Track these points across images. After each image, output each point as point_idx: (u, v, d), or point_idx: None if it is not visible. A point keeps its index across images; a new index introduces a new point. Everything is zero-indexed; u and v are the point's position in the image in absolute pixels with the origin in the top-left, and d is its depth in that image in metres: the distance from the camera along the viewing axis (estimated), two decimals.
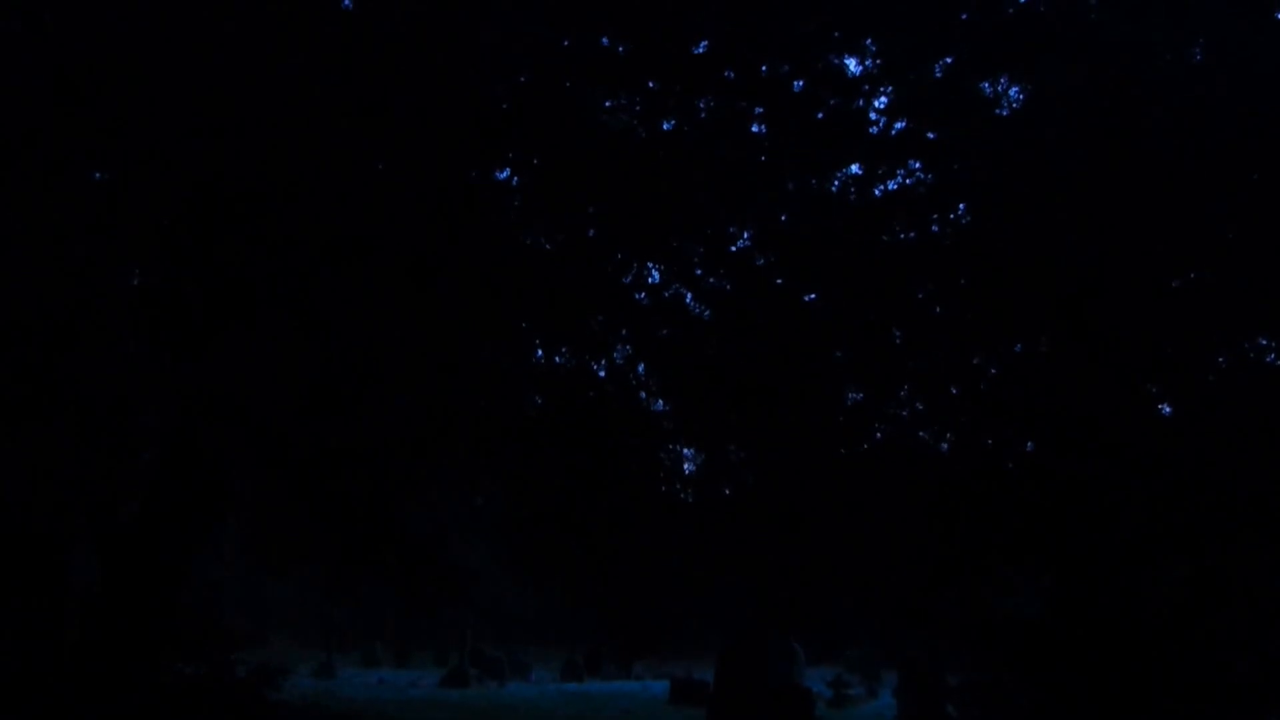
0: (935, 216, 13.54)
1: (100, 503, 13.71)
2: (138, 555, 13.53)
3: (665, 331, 13.29)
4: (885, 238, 13.39)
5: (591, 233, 13.11)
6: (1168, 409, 14.36)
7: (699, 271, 13.32)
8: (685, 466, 13.73)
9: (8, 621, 13.51)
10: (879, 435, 13.70)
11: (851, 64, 13.38)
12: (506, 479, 13.49)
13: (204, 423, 12.99)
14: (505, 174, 13.15)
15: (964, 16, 13.52)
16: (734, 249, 13.40)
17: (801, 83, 13.24)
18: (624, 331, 13.32)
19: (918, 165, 13.48)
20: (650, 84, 13.08)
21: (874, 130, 13.41)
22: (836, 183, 13.37)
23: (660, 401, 13.50)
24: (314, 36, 12.83)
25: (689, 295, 13.39)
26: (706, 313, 13.32)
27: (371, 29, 12.92)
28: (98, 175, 13.71)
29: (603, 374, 13.39)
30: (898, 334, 13.49)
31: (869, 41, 13.37)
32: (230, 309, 13.15)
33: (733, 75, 13.16)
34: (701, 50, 13.13)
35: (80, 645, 13.48)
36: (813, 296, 13.39)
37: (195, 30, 12.64)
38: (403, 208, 12.90)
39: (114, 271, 13.55)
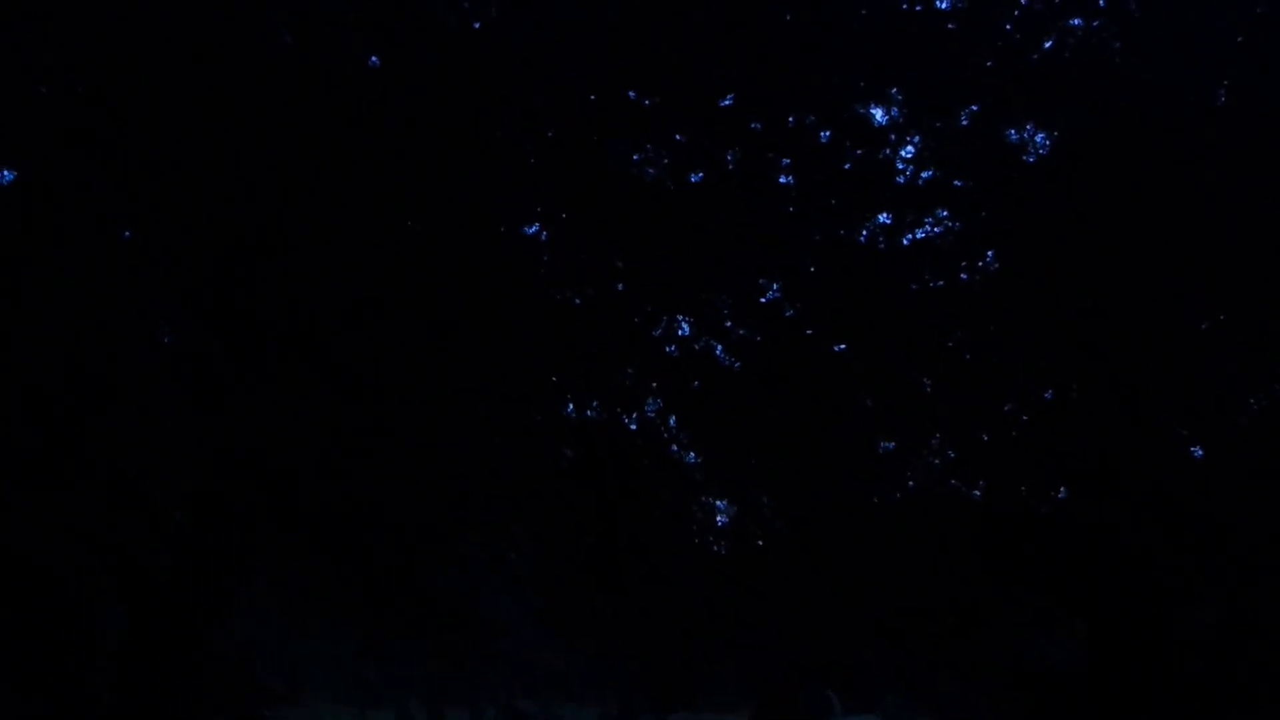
0: (964, 264, 13.42)
1: (130, 560, 13.55)
2: (168, 613, 13.35)
3: (696, 383, 13.13)
4: (914, 286, 13.25)
5: (621, 286, 12.99)
6: (1199, 452, 14.14)
7: (729, 323, 13.18)
8: (717, 518, 13.56)
9: (39, 678, 13.34)
10: (911, 483, 13.51)
11: (878, 114, 13.32)
12: (538, 533, 13.30)
13: (233, 480, 12.85)
14: (534, 228, 13.05)
15: (989, 64, 13.44)
16: (763, 300, 13.26)
17: (828, 133, 13.16)
18: (654, 384, 13.17)
19: (945, 213, 13.37)
20: (678, 136, 12.99)
21: (901, 179, 13.32)
22: (865, 232, 13.25)
23: (691, 453, 13.34)
24: (342, 92, 12.80)
25: (719, 347, 13.24)
26: (737, 364, 13.17)
27: (398, 85, 12.88)
28: (127, 234, 13.66)
29: (634, 427, 13.23)
30: (928, 382, 13.32)
31: (895, 91, 13.29)
32: (259, 367, 13.03)
33: (759, 126, 13.07)
34: (728, 102, 13.06)
35: (111, 703, 13.28)
36: (842, 346, 13.24)
37: (223, 86, 12.63)
38: (432, 263, 12.81)
39: (143, 330, 13.46)
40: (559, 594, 13.54)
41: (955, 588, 13.39)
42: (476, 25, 13.06)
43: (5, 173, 13.17)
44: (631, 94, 12.99)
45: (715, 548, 13.39)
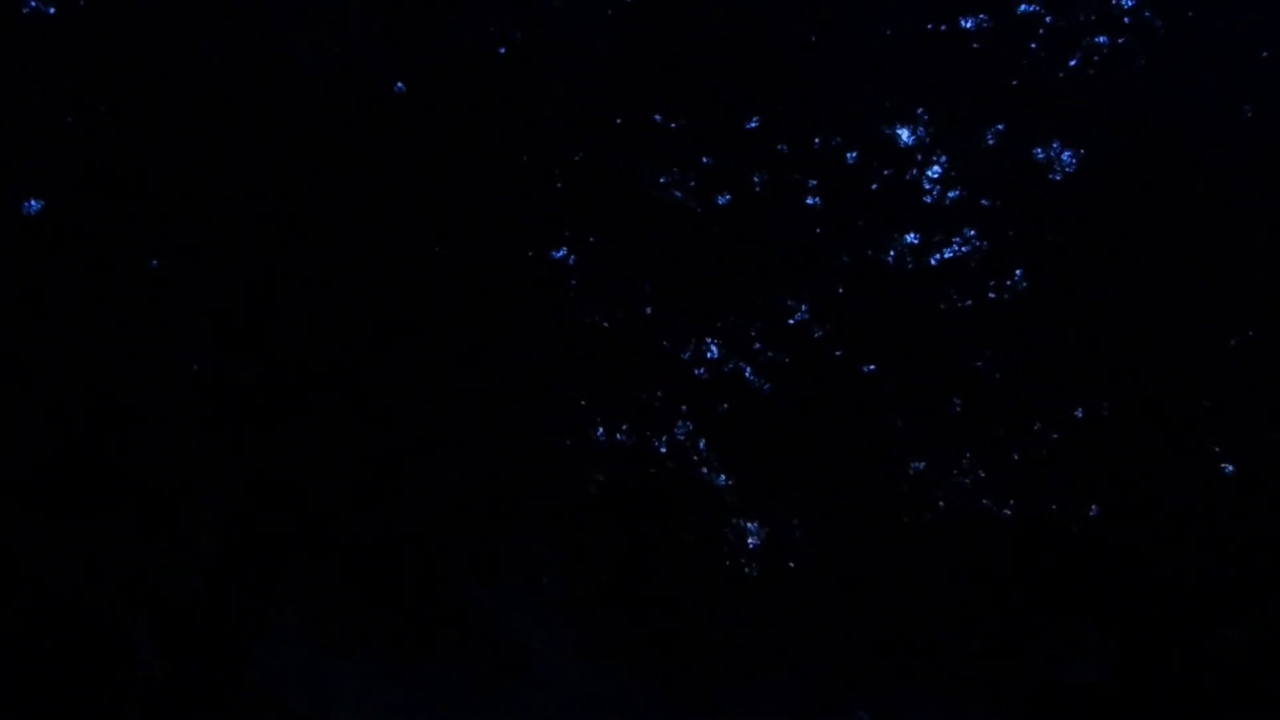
0: (991, 283, 13.35)
1: (160, 587, 13.50)
2: (198, 639, 13.29)
3: (725, 406, 13.06)
4: (942, 306, 13.19)
5: (649, 309, 12.92)
6: (1229, 468, 14.05)
7: (757, 345, 13.11)
8: (749, 540, 13.48)
9: (69, 707, 13.28)
10: (942, 503, 13.42)
11: (904, 134, 13.27)
12: (569, 556, 13.22)
13: (261, 506, 12.80)
14: (562, 252, 12.99)
15: (1014, 83, 13.39)
16: (792, 321, 13.19)
17: (855, 154, 13.10)
18: (684, 407, 13.09)
19: (972, 233, 13.31)
20: (705, 159, 12.93)
21: (928, 199, 13.26)
22: (892, 253, 13.19)
23: (722, 476, 13.26)
24: (368, 118, 12.76)
25: (748, 369, 13.17)
26: (766, 386, 13.10)
27: (423, 110, 12.84)
28: (155, 263, 13.62)
29: (663, 450, 13.16)
30: (957, 402, 13.24)
31: (920, 111, 13.24)
32: (288, 392, 12.98)
33: (786, 148, 13.01)
34: (755, 124, 13.00)
35: None
36: (871, 367, 13.17)
37: (249, 113, 12.60)
38: (461, 287, 12.77)
39: (172, 357, 13.41)
40: (590, 617, 13.46)
41: (986, 606, 13.31)
42: (501, 50, 13.03)
43: (32, 202, 13.16)
44: (658, 117, 12.94)
45: (747, 570, 13.32)
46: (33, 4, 13.06)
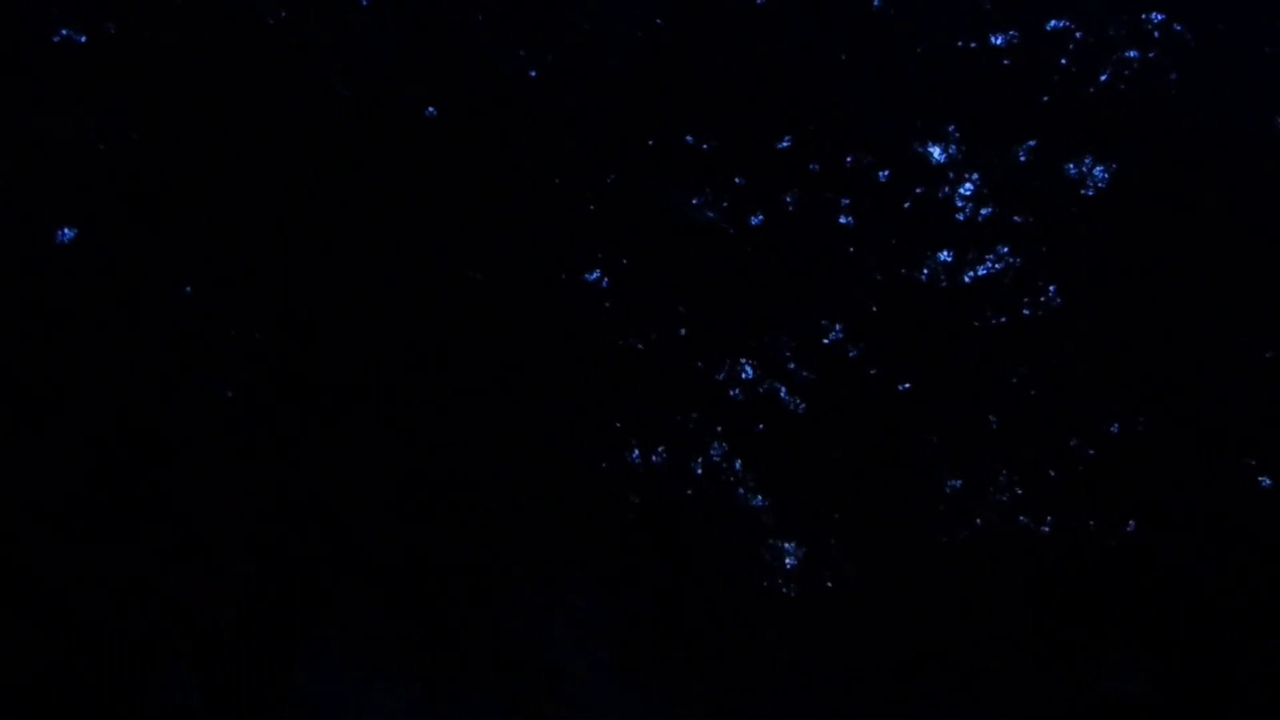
0: (1026, 300, 13.28)
1: (197, 614, 13.46)
2: (236, 667, 13.24)
3: (761, 426, 13.00)
4: (976, 323, 13.11)
5: (683, 331, 12.88)
6: (1267, 481, 13.92)
7: (792, 365, 13.05)
8: (786, 561, 13.40)
9: None
10: (979, 521, 13.33)
11: (935, 151, 13.20)
12: (605, 579, 13.16)
13: (298, 532, 12.76)
14: (595, 275, 12.95)
15: (1045, 99, 13.33)
16: (826, 341, 13.13)
17: (886, 172, 13.05)
18: (719, 428, 13.04)
19: (1005, 249, 13.24)
20: (736, 180, 12.89)
21: (960, 217, 13.19)
22: (925, 271, 13.12)
23: (758, 497, 13.19)
24: (401, 143, 12.76)
25: (783, 389, 13.11)
26: (801, 406, 13.04)
27: (456, 135, 12.83)
28: (188, 289, 13.61)
29: (699, 471, 13.10)
30: (993, 419, 13.16)
31: (952, 128, 13.18)
32: (322, 418, 12.95)
33: (817, 167, 12.97)
34: (785, 144, 12.96)
35: None
36: (906, 385, 13.09)
37: (283, 139, 12.60)
38: (494, 312, 12.73)
39: (206, 383, 13.39)
40: (628, 640, 13.39)
41: (1025, 623, 13.21)
42: (532, 73, 13.01)
43: (66, 230, 13.16)
44: (689, 138, 12.91)
45: (785, 590, 13.24)
46: (64, 32, 13.08)
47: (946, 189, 13.16)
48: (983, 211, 13.25)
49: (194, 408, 12.91)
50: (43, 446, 12.34)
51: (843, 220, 13.02)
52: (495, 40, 12.88)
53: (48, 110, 12.75)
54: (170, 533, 12.61)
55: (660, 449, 13.01)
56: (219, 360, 13.18)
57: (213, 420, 13.12)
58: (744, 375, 13.13)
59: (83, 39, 13.06)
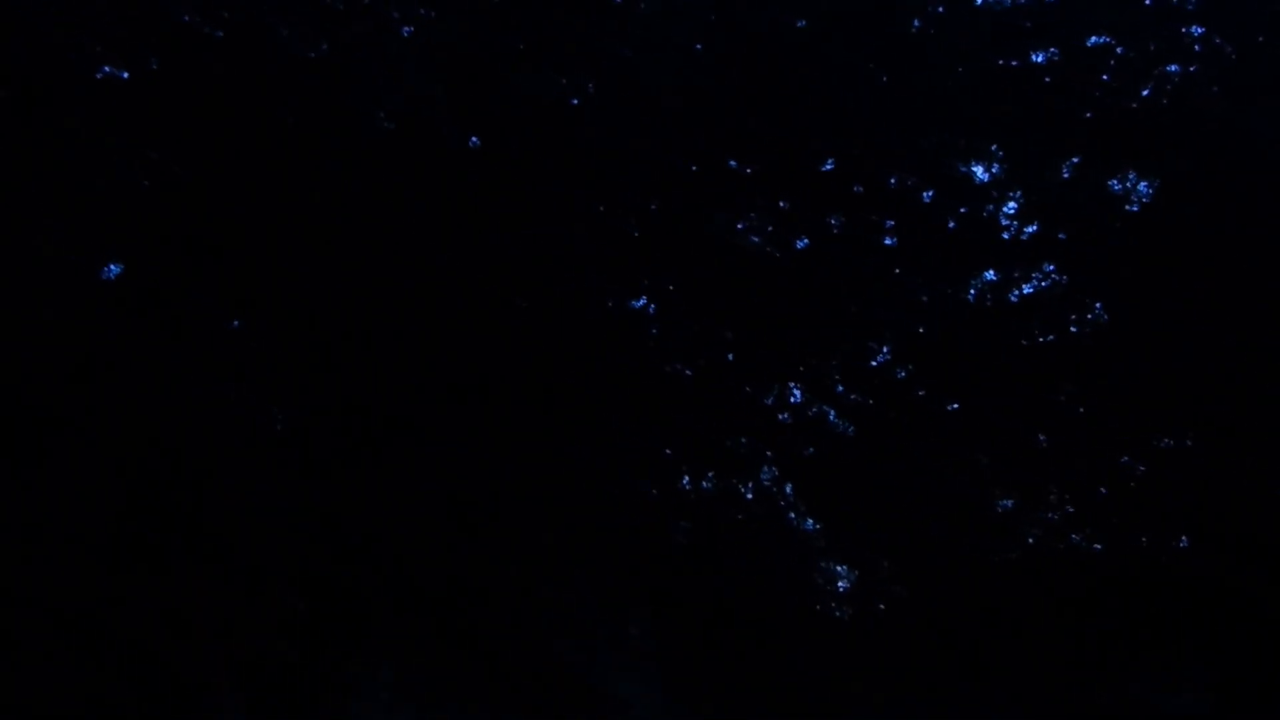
0: (1072, 317, 13.18)
1: (249, 647, 13.42)
2: (288, 700, 13.20)
3: (810, 450, 12.93)
4: (1024, 342, 13.03)
5: (730, 356, 12.82)
6: None
7: (840, 388, 12.98)
8: (838, 584, 13.31)
9: None
10: (1031, 540, 13.23)
11: (979, 171, 13.12)
12: (657, 605, 13.10)
13: (348, 564, 12.74)
14: (642, 301, 12.90)
15: (1087, 115, 13.26)
16: (874, 363, 13.06)
17: (930, 193, 12.98)
18: (769, 452, 12.97)
19: (1051, 267, 13.14)
20: (781, 203, 12.84)
21: (1005, 235, 13.12)
22: (972, 290, 13.04)
23: (809, 520, 13.11)
24: (444, 174, 12.75)
25: (831, 412, 13.04)
26: (850, 429, 12.97)
27: (498, 162, 12.82)
28: (235, 323, 13.60)
29: (749, 496, 13.03)
30: (1042, 438, 13.07)
31: (994, 147, 13.11)
32: (369, 450, 12.92)
33: (861, 190, 12.91)
34: (829, 167, 12.91)
35: None
36: (955, 406, 13.01)
37: (327, 171, 12.60)
38: (542, 341, 12.70)
39: (254, 416, 13.38)
40: (680, 666, 13.32)
41: (1081, 642, 13.12)
42: (575, 101, 12.99)
43: (112, 266, 13.17)
44: (732, 163, 12.86)
45: (837, 613, 13.15)
46: (106, 69, 13.10)
47: (990, 208, 13.08)
48: (1027, 229, 13.16)
49: (244, 440, 12.90)
50: (93, 477, 12.35)
51: (888, 242, 12.95)
52: (537, 69, 12.89)
53: (92, 147, 12.78)
54: (218, 562, 12.59)
55: (710, 474, 12.95)
56: (266, 391, 13.17)
57: (259, 449, 13.11)
58: (792, 399, 13.07)
59: (125, 75, 13.08)
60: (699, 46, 12.86)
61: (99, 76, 12.95)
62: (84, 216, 12.76)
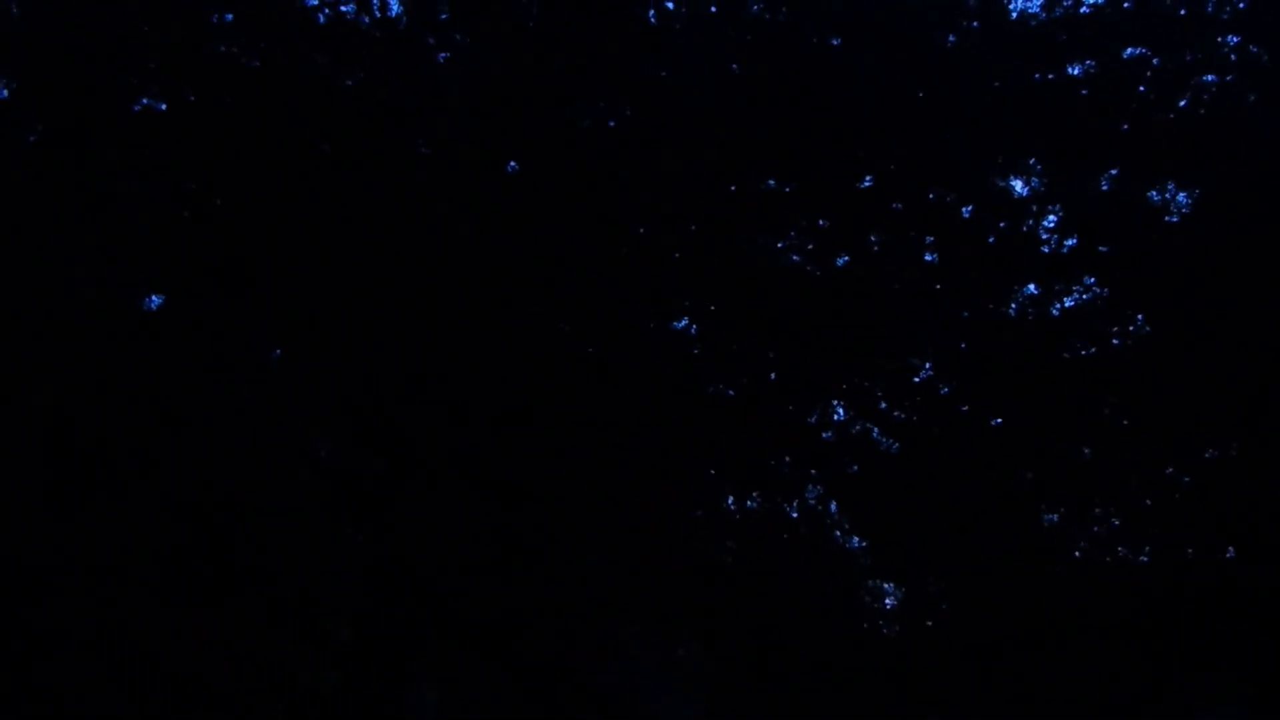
0: (1115, 329, 13.11)
1: (298, 678, 13.39)
2: None
3: (855, 468, 12.88)
4: (1066, 355, 12.96)
5: (773, 375, 12.78)
6: None
7: (883, 405, 12.93)
8: (886, 601, 13.25)
9: None
10: (1077, 553, 13.15)
11: (1017, 185, 13.08)
12: (704, 628, 13.03)
13: (395, 593, 12.70)
14: (683, 322, 12.87)
15: (1124, 127, 13.19)
16: (916, 380, 13.01)
17: (969, 208, 12.93)
18: (813, 471, 12.92)
19: (1092, 280, 13.07)
20: (820, 221, 12.81)
21: (1045, 249, 13.05)
22: (1013, 305, 12.98)
23: (855, 538, 13.06)
24: (485, 200, 12.73)
25: (875, 430, 12.98)
26: (894, 446, 12.91)
27: (538, 186, 12.80)
28: (277, 352, 13.60)
29: (795, 515, 12.97)
30: (1086, 451, 12.99)
31: (1033, 161, 13.06)
32: (414, 479, 12.89)
33: (900, 206, 12.87)
34: (867, 184, 12.87)
35: None
36: (998, 421, 12.94)
37: (366, 207, 12.58)
38: (584, 364, 12.67)
39: (298, 448, 13.36)
40: (728, 689, 13.25)
41: (1127, 655, 13.00)
42: (611, 124, 12.98)
43: (154, 297, 13.18)
44: (771, 182, 12.83)
45: (885, 631, 13.08)
46: (144, 101, 13.12)
47: (1030, 222, 13.02)
48: (1067, 243, 13.08)
49: (289, 473, 12.89)
50: (140, 509, 12.35)
51: (928, 258, 12.90)
52: (573, 93, 12.87)
53: (131, 178, 12.79)
54: (270, 599, 12.57)
55: (755, 493, 12.90)
56: (311, 424, 13.16)
57: (308, 485, 13.11)
58: (836, 416, 13.02)
59: (163, 107, 13.11)
60: (735, 66, 12.83)
61: (137, 109, 12.98)
62: (124, 248, 12.79)
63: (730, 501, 12.94)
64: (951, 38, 12.99)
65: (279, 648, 12.75)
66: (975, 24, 13.18)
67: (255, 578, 12.57)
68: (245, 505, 12.61)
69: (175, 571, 12.31)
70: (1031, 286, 13.03)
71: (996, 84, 12.89)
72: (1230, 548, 13.33)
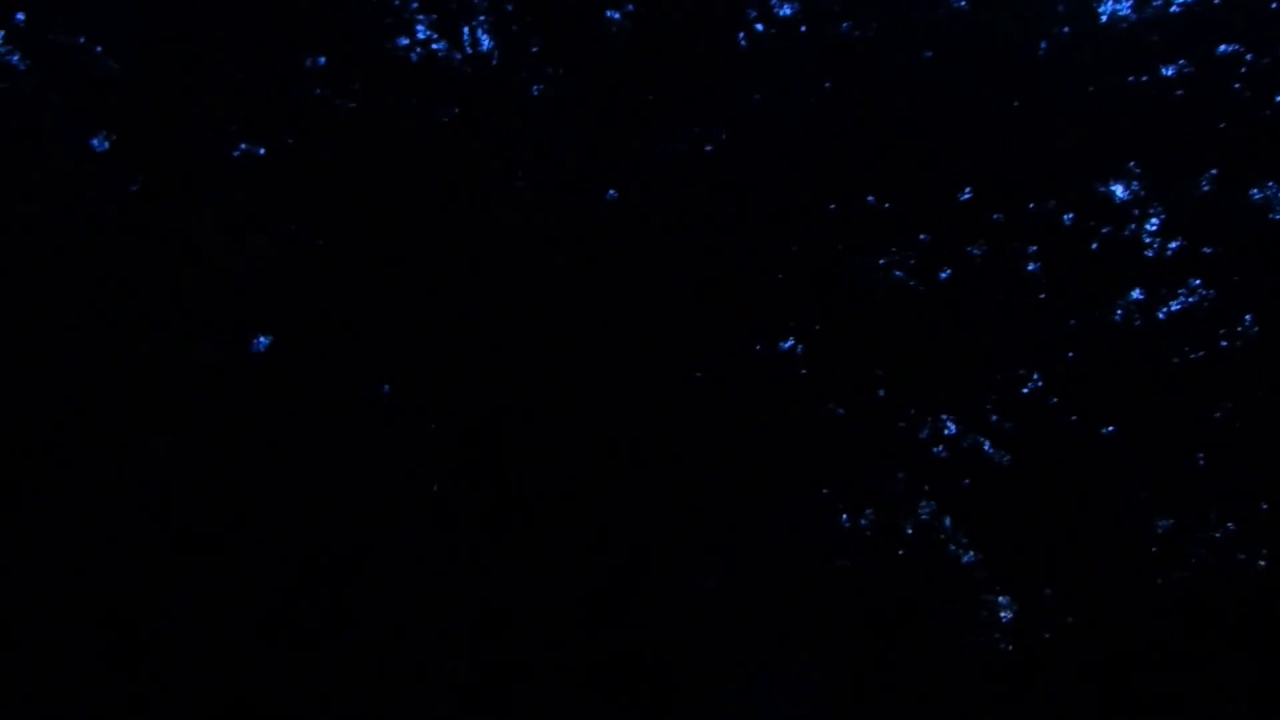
0: (1222, 331, 12.86)
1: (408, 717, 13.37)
2: None
3: (967, 482, 12.72)
4: (1175, 360, 12.73)
5: (881, 392, 12.64)
6: None
7: (994, 418, 12.75)
8: (1001, 615, 13.05)
9: None
10: (1194, 560, 12.90)
11: (1118, 190, 12.85)
12: (819, 646, 12.91)
13: (504, 628, 12.66)
14: (789, 344, 12.75)
15: (1222, 125, 12.95)
16: (1025, 391, 12.82)
17: (1071, 215, 12.73)
18: (925, 487, 12.77)
19: (1198, 282, 12.83)
20: (921, 236, 12.66)
21: (1149, 253, 12.83)
22: (1119, 311, 12.76)
23: (970, 553, 12.88)
24: (580, 232, 12.69)
25: (986, 443, 12.80)
26: (1006, 458, 12.73)
27: (636, 215, 12.75)
28: (386, 388, 13.60)
29: (909, 531, 12.82)
30: (1200, 456, 12.75)
31: (1132, 164, 12.84)
32: (522, 511, 12.85)
33: (1001, 217, 12.70)
34: (967, 196, 12.70)
35: None
36: (1110, 429, 12.73)
37: (466, 246, 12.59)
38: (691, 391, 12.60)
39: (405, 485, 13.35)
40: (845, 708, 13.11)
41: (1250, 663, 12.74)
42: (708, 149, 12.90)
43: (261, 339, 13.21)
44: (870, 199, 12.70)
45: (1002, 645, 12.89)
46: (243, 146, 13.18)
47: (1133, 226, 12.77)
48: (1171, 246, 12.83)
49: (397, 511, 12.90)
50: (252, 549, 12.40)
51: (1031, 268, 12.70)
52: (668, 120, 12.81)
53: (233, 222, 12.85)
54: (377, 639, 12.56)
55: (868, 511, 12.76)
56: (419, 461, 13.16)
57: (413, 516, 13.10)
58: (946, 431, 12.84)
59: (261, 151, 13.16)
60: (827, 85, 12.71)
61: (235, 155, 13.04)
62: (230, 291, 12.84)
63: (844, 519, 12.80)
64: (1043, 45, 12.79)
65: (389, 687, 12.76)
66: (1066, 29, 12.97)
67: (361, 616, 12.59)
68: (357, 541, 12.63)
69: (285, 611, 12.36)
70: (1137, 292, 12.79)
71: (1090, 88, 12.69)
72: None
